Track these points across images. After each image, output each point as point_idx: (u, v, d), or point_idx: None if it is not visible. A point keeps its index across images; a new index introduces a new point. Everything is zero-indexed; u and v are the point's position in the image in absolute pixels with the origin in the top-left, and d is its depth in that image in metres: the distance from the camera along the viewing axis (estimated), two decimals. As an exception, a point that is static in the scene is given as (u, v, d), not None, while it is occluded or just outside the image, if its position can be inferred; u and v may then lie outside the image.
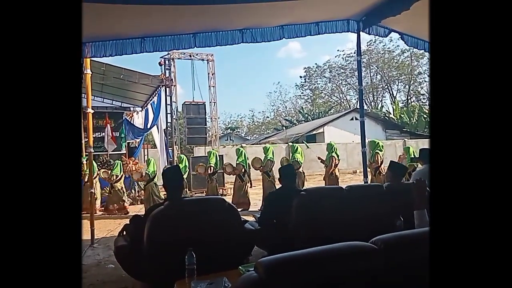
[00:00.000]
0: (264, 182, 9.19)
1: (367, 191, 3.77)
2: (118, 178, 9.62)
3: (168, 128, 13.68)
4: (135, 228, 3.21)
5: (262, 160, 9.34)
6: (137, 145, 15.81)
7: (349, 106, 37.77)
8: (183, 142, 14.69)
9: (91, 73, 5.86)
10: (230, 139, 34.94)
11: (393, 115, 30.01)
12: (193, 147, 17.24)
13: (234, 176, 9.39)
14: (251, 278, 1.21)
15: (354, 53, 33.47)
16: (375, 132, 24.59)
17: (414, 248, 1.39)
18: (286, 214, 3.48)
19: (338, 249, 1.29)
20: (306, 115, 38.10)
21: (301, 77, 44.63)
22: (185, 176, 9.39)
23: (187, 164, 9.61)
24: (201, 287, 2.36)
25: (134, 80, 11.76)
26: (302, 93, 45.33)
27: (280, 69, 68.34)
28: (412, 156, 8.71)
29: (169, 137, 13.33)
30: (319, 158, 9.49)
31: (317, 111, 40.13)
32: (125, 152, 14.96)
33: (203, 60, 13.66)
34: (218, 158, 9.74)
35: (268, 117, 48.33)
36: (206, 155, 12.18)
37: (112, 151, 13.39)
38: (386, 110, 33.60)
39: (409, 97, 39.07)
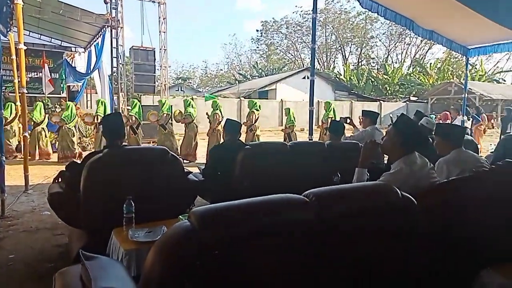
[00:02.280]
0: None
1: (309, 148, 3.90)
2: (70, 121, 8.92)
3: (114, 74, 12.86)
4: (71, 175, 3.08)
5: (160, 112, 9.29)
6: (79, 89, 14.80)
7: (303, 65, 37.95)
8: (130, 90, 13.98)
9: (22, 3, 5.22)
10: (181, 90, 33.92)
11: (344, 76, 30.75)
12: (140, 95, 16.49)
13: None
14: (183, 226, 1.21)
15: (312, 10, 33.13)
16: (325, 92, 25.18)
17: (344, 201, 1.46)
18: (230, 167, 3.51)
19: (271, 201, 1.32)
20: (260, 70, 37.83)
21: (257, 31, 43.72)
22: (141, 123, 9.10)
23: (140, 110, 9.14)
24: (139, 235, 2.36)
25: (75, 17, 10.68)
26: (257, 47, 44.61)
27: (237, 20, 66.17)
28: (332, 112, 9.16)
29: (115, 84, 12.56)
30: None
31: (271, 67, 39.95)
32: (65, 96, 13.98)
33: (154, 2, 12.72)
34: (171, 108, 9.43)
35: (221, 69, 47.37)
36: (157, 104, 11.74)
37: (51, 93, 12.42)
38: (338, 71, 34.31)
39: (360, 60, 40.02)
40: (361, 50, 39.80)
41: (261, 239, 1.25)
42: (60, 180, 3.17)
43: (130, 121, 8.81)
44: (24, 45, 5.40)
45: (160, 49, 13.50)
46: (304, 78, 25.99)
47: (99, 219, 2.73)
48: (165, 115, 9.02)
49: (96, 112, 9.31)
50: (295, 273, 1.35)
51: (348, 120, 5.30)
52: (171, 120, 9.33)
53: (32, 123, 8.75)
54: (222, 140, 8.05)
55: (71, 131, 8.85)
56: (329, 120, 8.11)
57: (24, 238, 3.69)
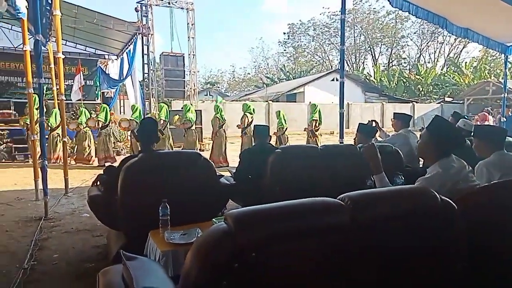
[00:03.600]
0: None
1: (341, 151, 3.85)
2: (105, 124, 9.34)
3: (145, 80, 13.25)
4: (109, 179, 3.20)
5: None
6: (112, 96, 15.36)
7: (331, 67, 37.56)
8: (160, 95, 14.36)
9: (61, 14, 5.50)
10: (210, 95, 34.43)
11: (374, 78, 30.15)
12: (170, 100, 16.90)
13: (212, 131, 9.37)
14: (220, 229, 1.23)
15: (340, 11, 32.76)
16: (354, 94, 24.78)
17: (381, 204, 1.45)
18: (261, 170, 3.53)
19: (307, 204, 1.32)
20: (288, 73, 37.73)
21: (284, 33, 43.63)
22: (168, 127, 9.37)
23: (167, 114, 9.41)
24: (175, 237, 2.42)
25: (108, 25, 11.14)
26: (284, 50, 44.56)
27: (264, 23, 66.45)
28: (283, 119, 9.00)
29: (146, 89, 12.94)
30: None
31: (299, 69, 39.76)
32: (100, 102, 14.54)
33: (182, 8, 13.00)
34: (195, 113, 9.65)
35: (249, 73, 47.65)
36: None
37: (87, 100, 12.95)
38: (367, 73, 33.68)
39: (390, 61, 39.12)
40: (391, 50, 38.91)
41: (297, 242, 1.26)
42: (98, 183, 3.31)
43: (159, 124, 9.09)
44: (62, 54, 5.68)
45: (189, 54, 13.77)
46: (332, 80, 25.71)
47: (136, 221, 2.83)
48: (162, 121, 9.21)
49: (132, 117, 9.63)
50: (330, 277, 1.35)
51: (374, 123, 5.19)
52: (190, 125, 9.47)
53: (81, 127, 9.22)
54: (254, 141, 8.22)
55: (107, 136, 9.24)
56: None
57: (66, 239, 3.88)
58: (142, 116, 11.19)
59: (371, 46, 39.39)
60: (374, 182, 3.08)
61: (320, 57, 43.24)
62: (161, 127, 9.10)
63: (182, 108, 10.72)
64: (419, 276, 1.46)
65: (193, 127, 9.33)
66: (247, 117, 9.05)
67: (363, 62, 40.95)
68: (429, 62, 36.76)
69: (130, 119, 9.46)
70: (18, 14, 4.24)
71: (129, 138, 10.22)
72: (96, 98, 14.76)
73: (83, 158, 9.30)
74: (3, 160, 9.64)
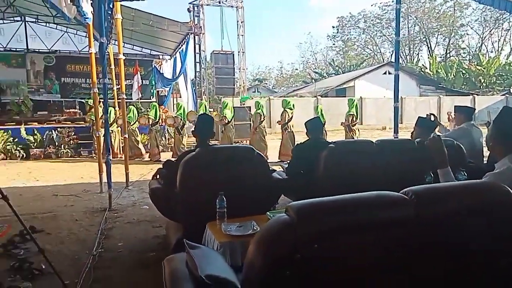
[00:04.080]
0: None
1: (398, 146, 3.72)
2: (155, 121, 9.89)
3: (196, 78, 13.68)
4: (168, 173, 3.37)
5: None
6: (166, 94, 16.01)
7: (383, 60, 36.16)
8: (211, 93, 14.74)
9: (121, 18, 5.84)
10: (258, 91, 34.68)
11: (429, 70, 28.55)
12: (220, 97, 17.29)
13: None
14: (282, 220, 1.26)
15: (392, 1, 31.32)
16: (409, 87, 23.66)
17: (447, 199, 1.40)
18: (313, 165, 3.52)
19: (369, 197, 1.31)
20: (337, 67, 36.94)
21: (333, 27, 42.64)
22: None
23: (232, 112, 9.72)
24: (231, 228, 2.50)
25: (163, 27, 11.65)
26: (333, 44, 43.59)
27: (312, 18, 65.45)
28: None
29: (198, 87, 13.37)
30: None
31: (348, 64, 38.75)
32: (155, 100, 15.24)
33: (232, 7, 13.22)
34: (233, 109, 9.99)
35: (297, 69, 47.26)
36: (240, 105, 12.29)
37: (143, 99, 13.66)
38: (422, 65, 31.98)
39: (448, 51, 36.80)
40: (449, 40, 36.59)
41: (359, 235, 1.26)
42: (158, 177, 3.50)
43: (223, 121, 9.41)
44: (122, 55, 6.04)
45: (239, 52, 13.98)
46: (385, 73, 24.76)
47: (193, 213, 2.95)
48: (179, 119, 9.52)
49: (176, 114, 10.07)
50: (391, 271, 1.33)
51: (432, 117, 4.92)
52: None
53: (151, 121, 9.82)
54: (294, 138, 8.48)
55: (158, 132, 9.75)
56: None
57: (129, 229, 4.15)
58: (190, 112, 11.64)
59: (426, 37, 37.32)
60: (434, 177, 2.96)
61: (371, 50, 41.80)
62: (223, 124, 9.46)
63: (245, 98, 11.01)
64: (485, 274, 1.40)
65: (231, 123, 9.53)
66: (287, 113, 9.08)
67: (418, 54, 38.98)
68: (492, 52, 34.12)
69: (175, 116, 9.86)
70: (85, 20, 4.58)
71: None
72: (151, 97, 15.49)
73: (132, 154, 9.82)
74: (70, 156, 10.46)
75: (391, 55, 39.23)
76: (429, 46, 37.97)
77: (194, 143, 10.19)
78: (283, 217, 1.28)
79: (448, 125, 5.37)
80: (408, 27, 37.12)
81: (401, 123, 18.41)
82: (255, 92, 33.73)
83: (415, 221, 1.31)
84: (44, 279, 2.97)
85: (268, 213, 2.78)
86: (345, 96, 23.71)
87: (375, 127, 20.31)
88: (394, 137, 5.77)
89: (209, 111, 10.19)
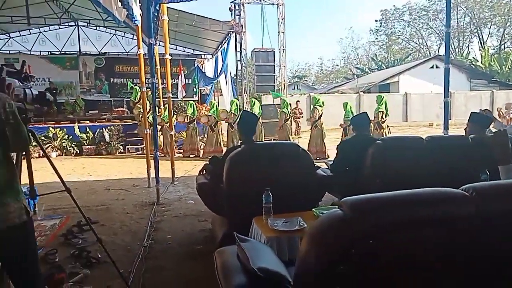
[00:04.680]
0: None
1: (449, 143, 3.56)
2: (192, 119, 10.17)
3: (237, 76, 13.85)
4: (214, 168, 3.46)
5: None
6: (208, 92, 16.35)
7: (429, 53, 34.52)
8: (251, 90, 14.85)
9: (168, 19, 6.04)
10: (297, 88, 34.41)
11: (481, 62, 26.84)
12: (261, 95, 17.37)
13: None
14: (336, 214, 1.26)
15: (442, -9, 29.73)
16: (458, 81, 22.44)
17: (510, 198, 1.33)
18: (360, 162, 3.46)
19: (427, 193, 1.28)
20: (380, 63, 35.75)
21: (376, 21, 41.27)
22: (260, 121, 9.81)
23: (260, 109, 9.84)
24: (278, 224, 2.52)
25: (205, 26, 11.90)
26: (376, 38, 42.20)
27: (353, 12, 63.86)
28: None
29: (240, 85, 13.52)
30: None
31: (392, 58, 37.40)
32: (197, 99, 15.62)
33: (273, 4, 13.21)
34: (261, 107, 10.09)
35: (337, 65, 46.30)
36: (276, 103, 12.31)
37: (186, 97, 14.06)
38: (473, 57, 30.11)
39: (502, 42, 34.41)
40: (504, 31, 34.15)
41: (416, 231, 1.23)
42: (204, 172, 3.60)
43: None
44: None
45: (279, 49, 13.95)
46: (431, 67, 23.65)
47: (239, 208, 3.01)
48: (213, 117, 9.71)
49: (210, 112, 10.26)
50: (448, 269, 1.29)
51: (487, 112, 4.63)
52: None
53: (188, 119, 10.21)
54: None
55: (194, 130, 10.01)
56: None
57: (176, 222, 4.30)
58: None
59: (478, 28, 35.11)
60: (490, 176, 2.80)
61: (416, 43, 40.04)
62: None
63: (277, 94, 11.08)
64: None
65: (259, 121, 9.58)
66: (317, 110, 9.08)
67: (468, 46, 36.76)
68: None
69: (208, 115, 10.11)
70: (135, 22, 4.79)
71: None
72: (194, 95, 15.90)
73: (166, 151, 10.11)
74: (119, 152, 10.99)
75: (439, 48, 37.39)
76: (480, 37, 35.69)
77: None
78: (337, 212, 1.28)
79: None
80: (457, 18, 35.13)
81: (450, 119, 17.53)
82: (294, 89, 33.48)
83: (475, 219, 1.26)
84: (100, 267, 3.16)
85: (314, 209, 2.77)
86: (388, 92, 22.93)
87: (421, 124, 19.47)
88: (444, 134, 5.51)
89: (239, 109, 10.32)
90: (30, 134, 1.94)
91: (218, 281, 1.62)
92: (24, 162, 2.33)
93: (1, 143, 1.65)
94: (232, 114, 9.83)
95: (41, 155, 8.32)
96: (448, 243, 1.27)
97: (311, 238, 1.31)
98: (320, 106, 9.11)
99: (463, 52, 34.57)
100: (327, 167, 3.87)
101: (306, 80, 42.28)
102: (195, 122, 10.28)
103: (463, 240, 1.28)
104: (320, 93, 25.92)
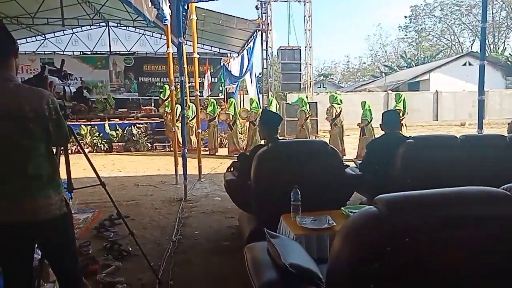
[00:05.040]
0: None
1: (485, 142, 3.43)
2: (212, 116, 10.27)
3: (263, 74, 13.86)
4: (242, 165, 3.48)
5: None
6: (233, 91, 16.44)
7: (461, 50, 33.30)
8: (277, 89, 14.83)
9: (196, 18, 6.11)
10: (323, 86, 34.03)
11: (518, 59, 25.62)
12: (286, 93, 17.29)
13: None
14: (370, 212, 1.24)
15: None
16: (493, 79, 21.53)
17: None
18: (390, 162, 3.39)
19: (466, 192, 1.24)
20: (409, 60, 34.81)
21: (406, 17, 40.18)
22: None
23: (277, 108, 9.88)
24: (306, 221, 2.51)
25: (232, 25, 11.96)
26: (405, 35, 41.06)
27: (381, 9, 62.45)
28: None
29: (265, 83, 13.53)
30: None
31: (422, 55, 36.32)
32: (223, 97, 15.75)
33: (300, 1, 13.13)
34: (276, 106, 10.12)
35: (364, 62, 45.45)
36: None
37: (212, 96, 14.21)
38: (509, 54, 28.81)
39: (541, 38, 32.69)
40: (542, 25, 32.51)
41: (454, 231, 1.20)
42: (232, 169, 3.63)
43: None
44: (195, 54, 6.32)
45: (306, 46, 13.85)
46: (464, 64, 22.81)
47: (267, 205, 3.02)
48: (231, 115, 9.84)
49: (251, 109, 10.28)
50: (487, 271, 1.25)
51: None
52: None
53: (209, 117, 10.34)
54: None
55: (216, 127, 10.12)
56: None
57: (203, 219, 4.37)
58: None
59: (515, 22, 33.56)
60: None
61: (448, 40, 38.69)
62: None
63: (297, 100, 11.02)
64: None
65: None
66: (335, 108, 8.98)
67: (504, 42, 35.16)
68: None
69: (227, 113, 10.17)
70: (165, 21, 4.89)
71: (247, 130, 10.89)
72: (220, 94, 16.04)
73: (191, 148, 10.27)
74: (147, 149, 11.25)
75: (472, 44, 36.02)
76: (517, 33, 34.10)
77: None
78: (371, 210, 1.26)
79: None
80: (493, 13, 33.67)
81: (484, 118, 16.82)
82: (320, 87, 33.13)
83: (519, 219, 1.22)
84: (130, 260, 3.25)
85: (343, 208, 2.74)
86: (418, 90, 22.33)
87: (452, 123, 18.83)
88: (478, 133, 5.31)
89: (261, 107, 10.38)
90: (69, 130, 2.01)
91: (249, 276, 1.63)
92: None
93: (44, 138, 1.73)
94: (253, 113, 9.86)
95: (73, 151, 8.63)
96: (487, 244, 1.23)
97: (345, 235, 1.30)
98: (338, 104, 9.02)
99: (498, 48, 33.13)
100: (356, 166, 3.82)
101: (332, 78, 41.75)
102: (215, 120, 10.38)
103: (503, 241, 1.23)
104: (347, 92, 25.57)
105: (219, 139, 10.84)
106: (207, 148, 10.43)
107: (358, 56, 55.97)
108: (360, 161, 3.78)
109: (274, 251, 1.64)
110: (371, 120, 8.63)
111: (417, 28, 39.70)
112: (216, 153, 10.12)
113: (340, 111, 9.05)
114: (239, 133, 10.69)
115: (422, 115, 18.91)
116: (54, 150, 2.10)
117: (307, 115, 9.25)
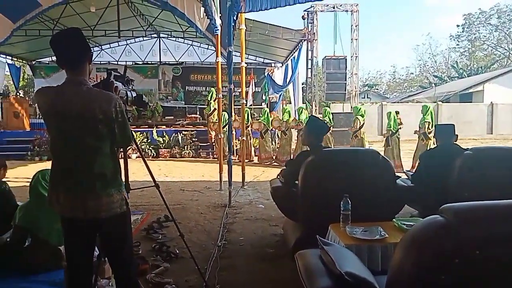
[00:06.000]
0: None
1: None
2: (246, 125, 10.33)
3: (308, 84, 13.81)
4: (289, 172, 3.47)
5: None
6: (277, 100, 16.52)
7: (520, 60, 31.14)
8: (321, 98, 14.68)
9: (245, 28, 6.22)
10: (368, 97, 33.25)
11: None
12: (329, 103, 17.06)
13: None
14: (437, 222, 1.19)
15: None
16: (556, 90, 19.97)
17: None
18: (445, 174, 3.23)
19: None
20: (461, 70, 33.12)
21: (458, 26, 38.41)
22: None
23: (331, 117, 9.74)
24: (356, 232, 2.44)
25: (278, 35, 12.07)
26: (457, 45, 39.16)
27: (431, 18, 60.21)
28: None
29: (309, 93, 13.47)
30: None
31: (475, 65, 34.45)
32: (266, 106, 15.86)
33: (347, 11, 12.98)
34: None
35: (412, 73, 43.87)
36: (350, 111, 12.04)
37: (255, 105, 14.37)
38: None
39: None
40: None
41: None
42: (279, 176, 3.63)
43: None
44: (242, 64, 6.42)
45: (352, 56, 13.63)
46: (523, 75, 21.34)
47: (314, 214, 2.98)
48: (263, 125, 9.93)
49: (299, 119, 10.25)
50: None
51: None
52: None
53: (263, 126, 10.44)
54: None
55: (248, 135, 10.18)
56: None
57: (248, 225, 4.39)
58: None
59: None
60: None
61: (505, 49, 36.39)
62: (298, 129, 9.72)
63: (352, 110, 10.87)
64: None
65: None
66: (359, 120, 8.97)
67: None
68: None
69: (259, 122, 10.25)
70: (216, 31, 5.04)
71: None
72: (262, 103, 16.19)
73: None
74: (191, 156, 11.54)
75: (532, 54, 33.64)
76: None
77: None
78: (438, 219, 1.21)
79: None
80: (556, 20, 31.34)
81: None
82: (364, 98, 32.37)
83: None
84: (178, 262, 3.33)
85: (394, 220, 2.64)
86: (471, 102, 21.15)
87: (508, 137, 17.61)
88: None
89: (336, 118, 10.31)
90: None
91: (302, 283, 1.61)
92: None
93: (109, 139, 1.84)
94: (284, 122, 9.95)
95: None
96: None
97: (408, 245, 1.25)
98: (362, 116, 9.05)
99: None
100: (407, 177, 3.67)
101: (377, 89, 40.68)
102: (249, 129, 10.46)
103: None
104: (393, 102, 24.77)
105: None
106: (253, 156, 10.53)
107: (405, 66, 54.24)
108: (413, 173, 3.64)
109: (328, 258, 1.61)
110: (396, 131, 8.61)
111: (470, 37, 37.76)
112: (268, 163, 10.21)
113: (363, 123, 9.08)
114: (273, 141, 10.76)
115: (475, 128, 17.87)
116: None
117: (361, 124, 9.07)
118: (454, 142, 3.45)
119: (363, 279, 1.45)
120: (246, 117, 10.34)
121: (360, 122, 9.01)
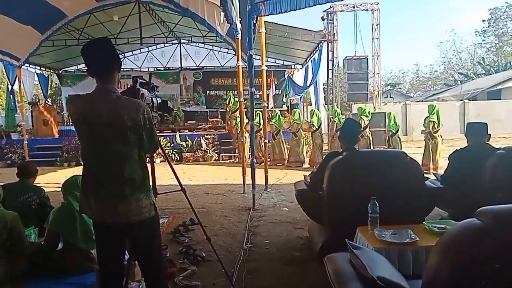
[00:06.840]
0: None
1: None
2: (259, 128, 10.29)
3: (329, 85, 13.68)
4: (314, 175, 3.45)
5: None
6: (298, 102, 16.43)
7: (552, 54, 29.79)
8: (343, 99, 14.50)
9: (265, 31, 6.23)
10: (390, 96, 32.63)
11: None
12: (351, 104, 16.83)
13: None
14: (474, 225, 1.15)
15: None
16: None
17: None
18: (476, 174, 3.13)
19: None
20: (488, 67, 32.01)
21: (483, 21, 37.16)
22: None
23: (369, 118, 9.63)
24: (386, 235, 2.39)
25: (297, 37, 12.02)
26: (483, 40, 37.86)
27: (455, 14, 58.46)
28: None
29: (330, 94, 13.34)
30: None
31: (503, 61, 33.22)
32: (286, 108, 15.81)
33: (367, 10, 12.80)
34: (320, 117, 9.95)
35: (436, 71, 42.67)
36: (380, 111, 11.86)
37: (276, 107, 14.35)
38: None
39: None
40: None
41: None
42: (308, 178, 3.60)
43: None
44: (263, 66, 6.43)
45: (373, 55, 13.42)
46: (556, 69, 20.37)
47: (341, 216, 2.94)
48: (295, 124, 9.88)
49: (311, 121, 10.17)
50: None
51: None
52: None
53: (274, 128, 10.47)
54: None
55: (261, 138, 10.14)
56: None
57: (272, 228, 4.37)
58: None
59: None
60: None
61: (535, 43, 34.97)
62: (310, 131, 9.80)
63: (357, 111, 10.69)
64: None
65: (319, 130, 9.72)
66: (363, 120, 8.97)
67: None
68: None
69: (271, 124, 10.16)
70: (236, 35, 5.07)
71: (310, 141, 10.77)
72: (283, 105, 16.15)
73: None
74: (214, 160, 11.63)
75: None
76: None
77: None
78: (474, 222, 1.17)
79: None
80: None
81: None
82: (387, 97, 31.77)
83: None
84: (204, 265, 3.36)
85: (425, 222, 2.58)
86: (500, 99, 20.39)
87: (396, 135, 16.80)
88: None
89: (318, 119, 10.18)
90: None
91: (332, 287, 1.59)
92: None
93: (138, 145, 1.87)
94: (311, 125, 9.85)
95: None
96: None
97: (444, 250, 1.22)
98: (366, 116, 9.08)
99: None
100: (436, 178, 3.58)
101: (400, 88, 39.86)
102: (261, 131, 10.43)
103: None
104: (417, 101, 24.18)
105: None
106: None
107: (428, 64, 52.91)
108: (442, 174, 3.54)
109: (358, 263, 1.58)
110: (396, 132, 8.69)
111: (497, 32, 36.44)
112: (285, 164, 10.19)
113: (368, 123, 9.10)
114: (306, 144, 10.64)
115: (505, 126, 17.19)
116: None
117: (366, 124, 9.03)
118: (486, 142, 3.33)
119: (396, 284, 1.41)
120: (258, 120, 10.38)
121: (364, 122, 9.01)
